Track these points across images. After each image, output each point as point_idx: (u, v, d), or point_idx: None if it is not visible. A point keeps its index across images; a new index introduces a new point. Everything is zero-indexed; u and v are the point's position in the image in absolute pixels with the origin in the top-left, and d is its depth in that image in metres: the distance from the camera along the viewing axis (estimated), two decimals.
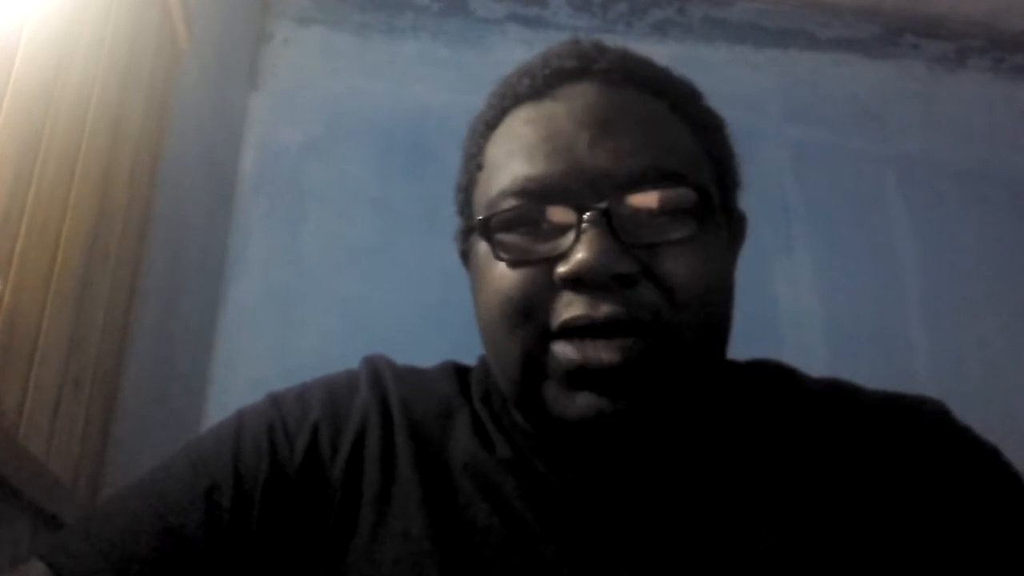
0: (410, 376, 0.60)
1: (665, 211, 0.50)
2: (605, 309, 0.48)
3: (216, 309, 1.81)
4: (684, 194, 0.51)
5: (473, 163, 0.58)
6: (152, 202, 1.29)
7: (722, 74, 2.16)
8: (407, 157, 1.96)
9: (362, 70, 2.10)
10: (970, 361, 1.98)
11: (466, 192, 0.59)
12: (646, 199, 0.50)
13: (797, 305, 2.00)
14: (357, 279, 1.87)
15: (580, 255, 0.48)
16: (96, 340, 1.09)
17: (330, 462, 0.54)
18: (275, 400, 0.58)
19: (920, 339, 2.01)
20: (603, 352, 0.48)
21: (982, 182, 2.20)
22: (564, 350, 0.49)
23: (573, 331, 0.49)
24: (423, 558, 0.50)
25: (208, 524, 0.51)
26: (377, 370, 0.60)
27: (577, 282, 0.49)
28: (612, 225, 0.49)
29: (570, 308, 0.49)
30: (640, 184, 0.50)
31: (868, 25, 2.27)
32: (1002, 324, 2.05)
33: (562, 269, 0.49)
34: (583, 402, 0.49)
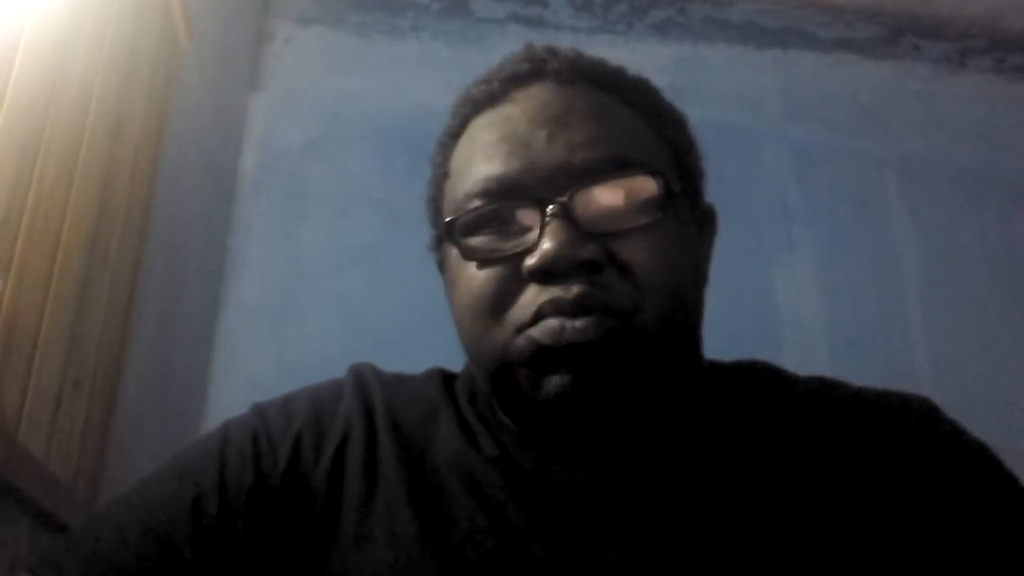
0: (396, 382, 0.61)
1: (625, 199, 0.52)
2: (575, 290, 0.49)
3: (216, 309, 1.81)
4: (642, 182, 0.52)
5: (440, 172, 0.60)
6: (152, 202, 1.29)
7: (723, 74, 2.15)
8: (407, 157, 1.95)
9: (362, 70, 2.10)
10: (971, 361, 1.98)
11: (435, 202, 0.60)
12: (605, 189, 0.52)
13: (798, 305, 2.00)
14: (357, 279, 1.87)
15: (545, 247, 0.49)
16: (96, 340, 1.09)
17: (313, 469, 0.54)
18: (260, 410, 0.58)
19: (921, 339, 2.01)
20: (575, 330, 0.49)
21: (983, 182, 2.19)
22: (537, 332, 0.50)
23: (546, 316, 0.50)
24: (411, 557, 0.50)
25: (195, 533, 0.51)
26: (362, 378, 0.60)
27: (544, 273, 0.50)
28: (573, 216, 0.50)
29: (541, 296, 0.50)
30: (597, 175, 0.52)
31: (869, 25, 2.27)
32: (1003, 324, 2.05)
33: (529, 262, 0.50)
34: (555, 382, 0.50)
